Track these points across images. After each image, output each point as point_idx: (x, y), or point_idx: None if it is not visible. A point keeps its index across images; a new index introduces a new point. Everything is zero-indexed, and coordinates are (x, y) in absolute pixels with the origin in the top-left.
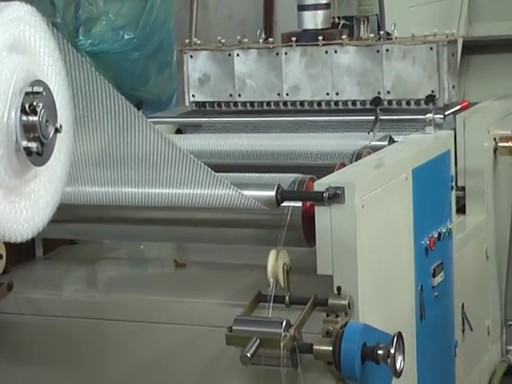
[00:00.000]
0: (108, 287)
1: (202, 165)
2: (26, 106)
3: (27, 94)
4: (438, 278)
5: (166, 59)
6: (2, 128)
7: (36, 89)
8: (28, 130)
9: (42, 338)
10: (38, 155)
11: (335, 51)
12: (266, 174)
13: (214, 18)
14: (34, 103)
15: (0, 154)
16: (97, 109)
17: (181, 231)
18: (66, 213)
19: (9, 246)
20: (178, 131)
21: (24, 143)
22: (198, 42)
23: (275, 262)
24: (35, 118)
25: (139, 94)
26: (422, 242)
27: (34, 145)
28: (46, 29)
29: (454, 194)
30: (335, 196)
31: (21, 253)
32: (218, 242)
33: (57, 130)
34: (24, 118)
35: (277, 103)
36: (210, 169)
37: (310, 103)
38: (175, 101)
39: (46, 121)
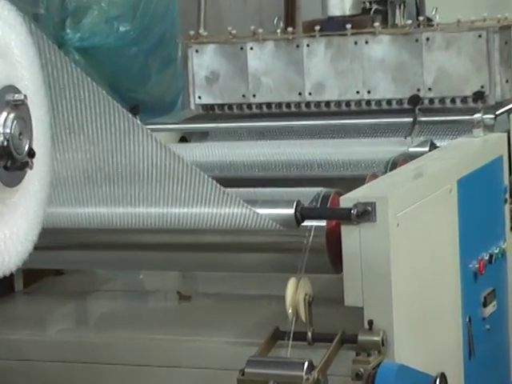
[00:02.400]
0: (101, 325)
1: (210, 179)
2: None
3: None
4: (490, 308)
5: (169, 55)
6: None
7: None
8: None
9: None
10: (10, 173)
11: (366, 42)
12: (284, 189)
13: (226, 6)
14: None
15: None
16: (84, 116)
17: (185, 258)
18: (50, 238)
19: None
20: (183, 139)
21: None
22: (205, 33)
23: (295, 292)
24: (7, 131)
25: (138, 95)
26: (470, 266)
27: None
28: (24, 26)
29: (507, 207)
30: (365, 213)
31: None
32: (228, 269)
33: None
34: None
35: (298, 104)
36: (218, 184)
37: (337, 104)
38: (181, 103)
39: (20, 134)
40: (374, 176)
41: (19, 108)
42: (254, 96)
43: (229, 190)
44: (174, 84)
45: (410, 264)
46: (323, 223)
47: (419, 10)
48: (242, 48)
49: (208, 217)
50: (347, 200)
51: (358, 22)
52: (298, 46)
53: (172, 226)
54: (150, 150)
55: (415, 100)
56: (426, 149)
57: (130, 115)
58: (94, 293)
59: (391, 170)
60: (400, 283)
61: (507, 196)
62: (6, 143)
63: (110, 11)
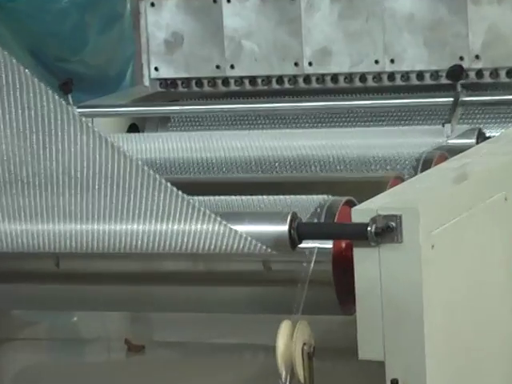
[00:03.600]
0: None
1: (170, 186)
2: None
3: None
4: None
5: (114, 10)
6: None
7: None
8: None
9: None
10: None
11: None
12: (275, 197)
13: None
14: None
15: None
16: None
17: (137, 293)
18: None
19: None
20: (133, 128)
21: None
22: None
23: (290, 340)
24: None
25: (71, 66)
26: None
27: None
28: None
29: None
30: (387, 231)
31: None
32: (196, 308)
33: None
34: None
35: (294, 79)
36: (181, 192)
37: (348, 78)
38: (130, 77)
39: None
40: (400, 179)
41: None
42: (232, 67)
43: (197, 198)
44: (120, 51)
45: (450, 300)
46: (329, 245)
47: None
48: (215, 1)
49: (168, 237)
50: (362, 212)
51: None
52: None
53: (118, 250)
54: (84, 144)
55: (457, 72)
56: (473, 140)
57: (56, 95)
58: (8, 342)
59: (423, 170)
60: (436, 327)
61: None
62: None
63: None
